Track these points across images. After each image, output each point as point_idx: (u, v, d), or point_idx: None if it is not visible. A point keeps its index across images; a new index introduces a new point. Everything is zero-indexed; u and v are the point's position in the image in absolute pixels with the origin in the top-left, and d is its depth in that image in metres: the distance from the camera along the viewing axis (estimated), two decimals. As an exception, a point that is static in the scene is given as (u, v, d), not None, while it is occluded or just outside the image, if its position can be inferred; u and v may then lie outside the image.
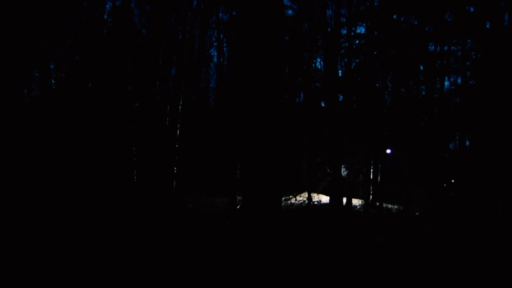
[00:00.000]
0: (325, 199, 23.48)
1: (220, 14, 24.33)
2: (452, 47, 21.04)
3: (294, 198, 24.05)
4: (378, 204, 22.63)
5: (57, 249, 8.22)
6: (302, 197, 23.56)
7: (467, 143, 21.61)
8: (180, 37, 18.49)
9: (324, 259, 8.77)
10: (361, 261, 8.79)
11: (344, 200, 20.73)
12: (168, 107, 17.41)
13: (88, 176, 14.23)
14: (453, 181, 22.34)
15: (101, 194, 14.15)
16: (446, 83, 23.44)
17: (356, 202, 23.74)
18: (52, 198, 12.79)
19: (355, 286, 6.99)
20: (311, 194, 22.09)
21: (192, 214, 15.70)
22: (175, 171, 17.36)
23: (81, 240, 9.15)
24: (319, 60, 25.81)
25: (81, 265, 7.24)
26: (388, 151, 24.20)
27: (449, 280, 7.43)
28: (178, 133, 17.29)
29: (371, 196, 23.48)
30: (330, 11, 21.16)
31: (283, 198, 21.21)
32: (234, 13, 22.60)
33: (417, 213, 20.53)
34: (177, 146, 17.29)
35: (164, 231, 11.25)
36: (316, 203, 22.26)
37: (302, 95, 27.53)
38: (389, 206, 22.86)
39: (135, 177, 15.84)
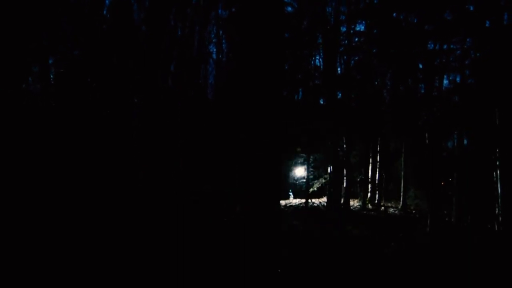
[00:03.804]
0: (322, 200, 23.55)
1: (220, 11, 24.27)
2: (451, 46, 21.00)
3: (292, 198, 24.15)
4: (376, 203, 22.69)
5: (60, 243, 8.24)
6: (299, 199, 23.67)
7: (465, 142, 21.62)
8: (180, 33, 18.45)
9: (320, 257, 8.78)
10: (356, 259, 8.81)
11: (342, 199, 20.75)
12: (167, 103, 17.40)
13: (92, 173, 14.15)
14: (450, 179, 22.37)
15: (106, 189, 14.08)
16: (445, 81, 23.43)
17: (354, 200, 23.78)
18: (56, 193, 12.74)
19: (350, 282, 7.01)
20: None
21: (191, 211, 15.69)
22: (175, 166, 17.37)
23: (84, 236, 9.16)
24: (318, 58, 25.73)
25: (85, 259, 7.25)
26: (386, 149, 24.22)
27: (439, 279, 7.45)
28: (178, 129, 17.30)
29: (369, 195, 23.51)
30: (330, 8, 21.13)
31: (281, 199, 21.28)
32: (233, 9, 22.51)
33: (413, 211, 20.58)
34: (178, 142, 17.30)
35: (165, 224, 11.27)
36: (314, 203, 22.32)
37: (301, 92, 27.47)
38: (387, 204, 22.90)
39: (139, 173, 15.85)
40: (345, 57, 22.29)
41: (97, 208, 12.21)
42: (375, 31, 21.33)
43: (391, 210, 21.33)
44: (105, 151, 14.65)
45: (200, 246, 8.84)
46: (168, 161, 16.97)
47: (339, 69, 22.71)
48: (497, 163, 14.52)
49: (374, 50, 21.53)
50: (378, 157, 23.82)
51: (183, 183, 17.76)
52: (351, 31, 22.11)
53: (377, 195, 23.30)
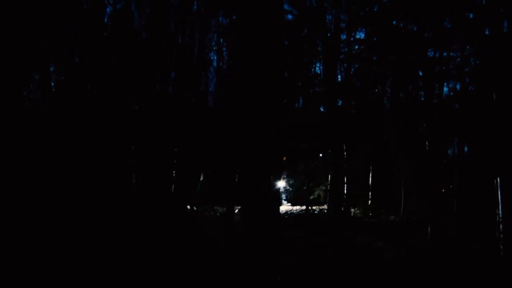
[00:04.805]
0: (323, 207, 23.51)
1: (220, 18, 24.38)
2: (451, 53, 21.06)
3: (292, 206, 24.10)
4: (376, 210, 22.62)
5: (56, 252, 8.20)
6: (299, 207, 23.65)
7: (466, 149, 21.59)
8: (180, 40, 18.55)
9: (321, 263, 8.75)
10: (356, 264, 8.78)
11: (342, 206, 20.69)
12: (167, 105, 17.50)
13: (88, 177, 14.14)
14: (451, 186, 22.34)
15: (101, 196, 14.05)
16: (445, 88, 23.48)
17: (354, 208, 23.71)
18: (51, 201, 12.70)
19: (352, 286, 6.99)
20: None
21: (191, 219, 15.66)
22: (174, 173, 17.38)
23: (78, 243, 9.13)
24: (318, 65, 25.81)
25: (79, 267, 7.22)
26: (387, 156, 24.18)
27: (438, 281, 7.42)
28: (178, 131, 17.36)
29: (369, 202, 23.45)
30: (330, 16, 21.21)
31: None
32: (234, 17, 22.63)
33: (414, 218, 20.49)
34: (176, 149, 17.30)
35: (164, 227, 11.24)
36: (315, 211, 22.28)
37: (301, 100, 27.51)
38: (388, 212, 22.83)
39: (133, 180, 15.86)
40: (345, 64, 22.37)
41: (96, 209, 12.20)
42: (375, 38, 21.41)
43: (392, 217, 21.26)
44: (105, 152, 14.67)
45: (200, 250, 8.82)
46: (167, 163, 17.00)
47: (339, 76, 22.79)
48: (498, 170, 14.47)
49: (374, 58, 21.60)
50: (378, 164, 23.78)
51: (182, 184, 17.77)
52: (351, 39, 22.20)
53: (377, 203, 23.22)
